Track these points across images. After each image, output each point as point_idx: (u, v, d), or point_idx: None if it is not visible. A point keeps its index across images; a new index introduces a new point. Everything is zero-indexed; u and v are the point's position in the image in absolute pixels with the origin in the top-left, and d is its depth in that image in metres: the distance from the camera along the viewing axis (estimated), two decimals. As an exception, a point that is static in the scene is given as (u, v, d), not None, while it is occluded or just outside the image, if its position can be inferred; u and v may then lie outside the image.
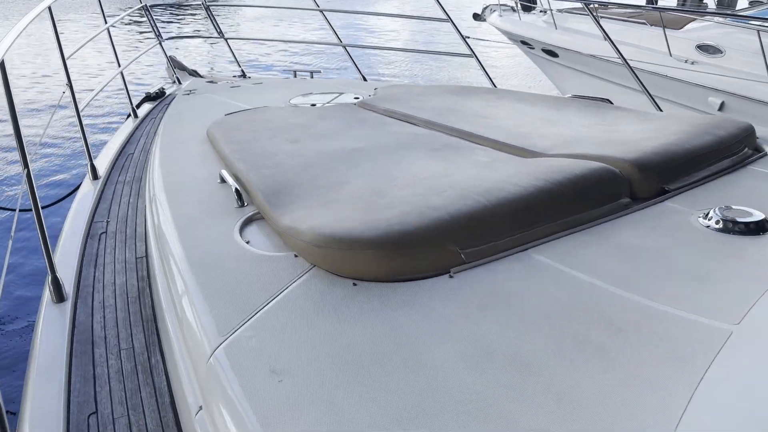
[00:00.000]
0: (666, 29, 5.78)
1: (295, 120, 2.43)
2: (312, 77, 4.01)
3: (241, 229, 1.57)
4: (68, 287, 1.62)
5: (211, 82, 4.00)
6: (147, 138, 2.87)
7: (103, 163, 2.50)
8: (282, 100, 3.11)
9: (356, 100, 2.93)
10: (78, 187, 2.30)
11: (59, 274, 1.57)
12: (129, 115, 3.44)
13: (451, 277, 1.25)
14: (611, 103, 2.60)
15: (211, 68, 10.67)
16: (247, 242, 1.50)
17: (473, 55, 3.41)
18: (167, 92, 3.74)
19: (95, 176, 2.33)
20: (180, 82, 4.11)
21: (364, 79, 3.83)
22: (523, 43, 7.70)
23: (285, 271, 1.34)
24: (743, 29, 5.43)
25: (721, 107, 5.37)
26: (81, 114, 2.41)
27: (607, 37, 3.16)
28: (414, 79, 10.79)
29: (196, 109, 2.97)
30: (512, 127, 2.12)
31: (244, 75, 4.22)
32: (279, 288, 1.27)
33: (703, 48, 5.68)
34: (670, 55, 5.79)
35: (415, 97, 2.74)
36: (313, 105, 2.81)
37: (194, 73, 4.44)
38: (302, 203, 1.55)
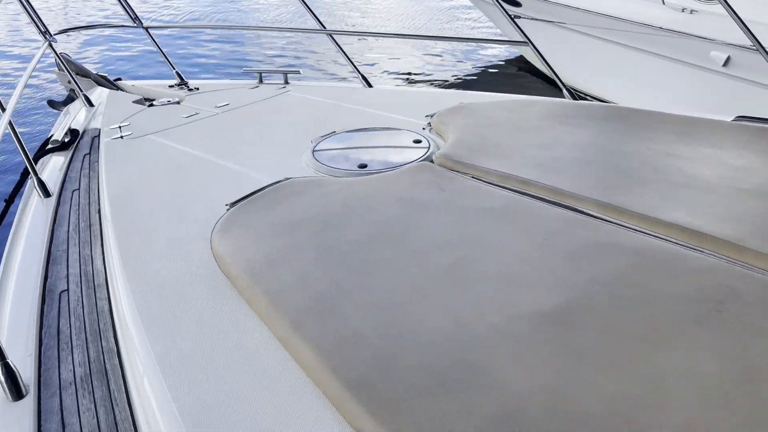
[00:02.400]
0: (654, -27, 5.05)
1: (365, 215, 1.41)
2: (287, 82, 2.88)
3: None
4: None
5: (142, 100, 2.76)
6: (83, 261, 1.68)
7: (16, 346, 1.34)
8: (290, 142, 2.02)
9: (418, 145, 1.91)
10: None
11: None
12: (24, 178, 2.18)
13: None
14: None
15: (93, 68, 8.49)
16: None
17: (528, 41, 2.46)
18: (80, 130, 2.47)
19: (18, 394, 1.20)
20: (88, 102, 2.81)
21: (369, 85, 2.76)
22: (475, -9, 6.73)
23: None
24: (742, -30, 4.80)
25: (727, 62, 4.79)
26: None
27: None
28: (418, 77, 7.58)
29: (150, 182, 1.83)
30: None
31: (183, 82, 2.99)
32: None
33: (699, -7, 5.02)
34: (663, 3, 5.09)
35: (517, 137, 1.77)
36: (363, 167, 1.77)
37: (103, 81, 3.14)
38: None
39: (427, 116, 2.15)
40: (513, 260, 1.20)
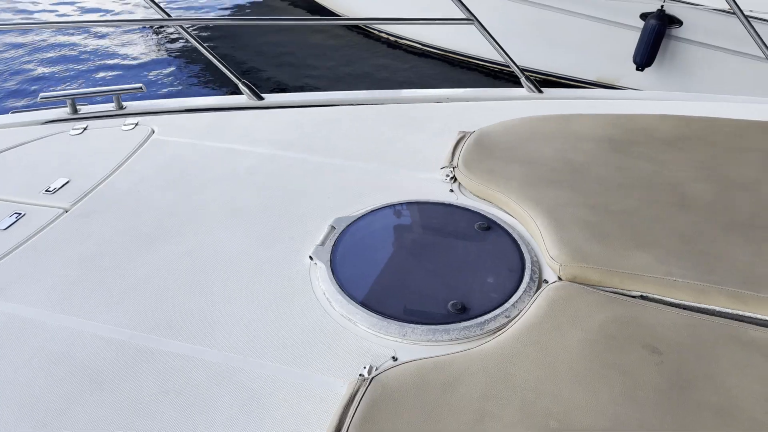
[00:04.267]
0: None
1: None
2: (122, 107, 1.91)
3: None
4: None
5: None
6: None
7: None
8: (254, 262, 1.29)
9: (488, 232, 1.32)
10: None
11: None
12: None
13: None
14: None
15: None
16: None
17: (474, 19, 1.95)
18: None
19: None
20: None
21: (259, 97, 1.96)
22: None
23: None
24: None
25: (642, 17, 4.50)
26: None
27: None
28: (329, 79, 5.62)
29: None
30: None
31: None
32: None
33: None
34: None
35: (624, 196, 1.29)
36: (461, 309, 1.13)
37: None
38: None
39: (443, 168, 1.53)
40: None
